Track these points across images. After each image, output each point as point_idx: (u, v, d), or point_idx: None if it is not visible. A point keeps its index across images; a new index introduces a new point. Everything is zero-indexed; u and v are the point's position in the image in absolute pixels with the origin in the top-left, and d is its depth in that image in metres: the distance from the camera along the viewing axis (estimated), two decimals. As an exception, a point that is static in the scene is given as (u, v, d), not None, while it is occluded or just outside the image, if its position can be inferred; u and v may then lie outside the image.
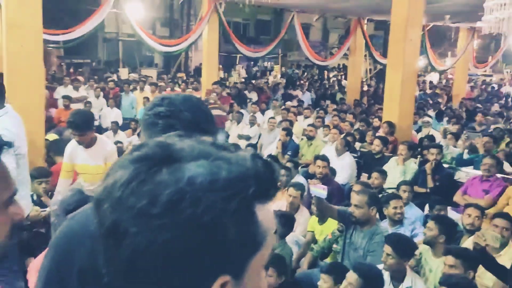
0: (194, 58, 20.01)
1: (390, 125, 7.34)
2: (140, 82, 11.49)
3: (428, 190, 5.80)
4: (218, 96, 8.95)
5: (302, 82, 16.53)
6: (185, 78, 16.29)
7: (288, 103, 11.40)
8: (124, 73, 16.60)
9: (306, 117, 9.67)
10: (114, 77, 14.79)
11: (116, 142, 7.00)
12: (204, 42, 11.45)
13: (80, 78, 12.19)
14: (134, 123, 8.88)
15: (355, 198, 3.73)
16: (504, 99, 16.26)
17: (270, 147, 7.80)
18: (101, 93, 10.51)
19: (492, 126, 8.25)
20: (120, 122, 9.26)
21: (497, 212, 4.26)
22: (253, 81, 16.36)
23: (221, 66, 19.40)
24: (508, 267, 3.18)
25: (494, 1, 7.43)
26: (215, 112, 9.07)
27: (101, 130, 8.31)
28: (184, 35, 14.21)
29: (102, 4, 9.85)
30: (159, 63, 21.05)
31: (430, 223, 3.70)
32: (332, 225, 4.30)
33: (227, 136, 8.95)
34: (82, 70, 15.79)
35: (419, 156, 6.60)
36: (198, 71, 16.87)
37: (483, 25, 7.82)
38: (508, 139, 7.12)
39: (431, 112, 11.09)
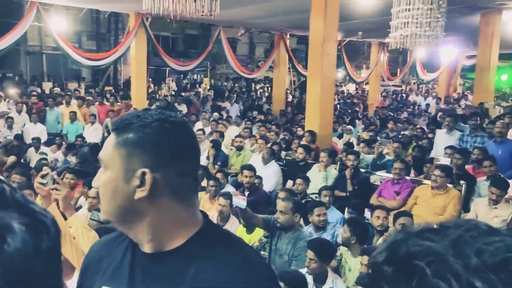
0: (123, 72, 19.43)
1: (312, 133, 7.56)
2: (66, 96, 10.94)
3: (347, 194, 6.03)
4: (126, 109, 8.88)
5: (230, 94, 16.60)
6: (113, 91, 15.76)
7: (216, 114, 11.39)
8: (47, 87, 15.73)
9: (238, 125, 9.73)
10: (38, 90, 13.95)
11: (40, 159, 6.59)
12: (132, 56, 11.16)
13: (0, 93, 11.36)
14: (59, 138, 8.42)
15: (280, 205, 3.80)
16: (411, 107, 17.38)
17: (200, 158, 7.74)
18: (24, 108, 9.86)
19: (402, 132, 8.77)
20: (45, 137, 8.74)
21: (399, 211, 4.53)
22: (183, 94, 16.19)
23: (151, 79, 19.01)
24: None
25: (399, 20, 7.97)
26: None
27: (24, 146, 7.77)
28: (111, 48, 13.75)
29: (24, 17, 9.29)
30: (87, 77, 20.19)
31: (344, 226, 3.85)
32: (259, 233, 4.33)
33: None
34: (3, 84, 14.73)
35: (339, 162, 6.86)
36: (127, 84, 16.39)
37: (391, 41, 8.33)
38: (414, 144, 7.60)
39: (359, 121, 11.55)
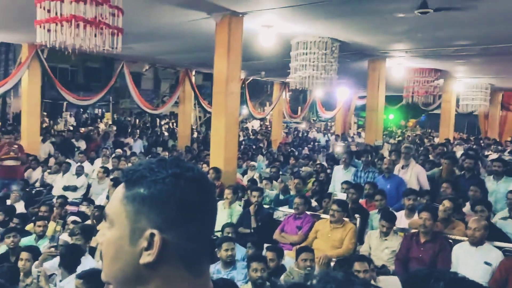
0: (14, 105, 17.94)
1: (217, 170, 7.57)
2: None
3: (252, 230, 6.08)
4: (8, 146, 8.27)
5: (134, 129, 16.12)
6: (0, 126, 14.45)
7: (119, 150, 10.95)
8: None
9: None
10: None
11: None
12: (23, 89, 10.40)
13: None
14: None
15: None
16: (312, 143, 18.33)
17: (101, 197, 7.34)
18: None
19: (302, 168, 9.17)
20: None
21: (301, 247, 4.68)
22: (82, 129, 15.36)
23: (46, 113, 17.79)
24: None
25: (297, 63, 8.49)
26: (8, 163, 8.30)
27: None
28: (0, 80, 12.68)
29: None
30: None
31: (253, 264, 3.88)
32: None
33: (29, 184, 8.24)
34: None
35: (243, 199, 6.93)
36: (17, 118, 15.14)
37: (291, 81, 8.80)
38: (313, 179, 7.98)
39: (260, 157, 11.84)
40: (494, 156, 8.67)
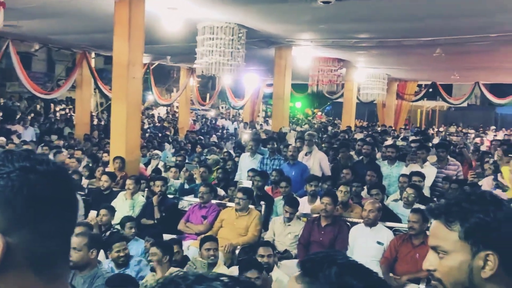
0: None
1: (121, 160, 7.32)
2: None
3: (155, 222, 5.97)
4: None
5: (24, 116, 14.87)
6: None
7: (3, 139, 10.04)
8: None
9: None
10: None
11: None
12: None
13: None
14: None
15: (73, 241, 3.51)
16: (220, 131, 18.42)
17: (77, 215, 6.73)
18: None
19: (209, 156, 9.17)
20: None
21: (205, 236, 4.71)
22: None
23: None
24: None
25: (204, 48, 8.43)
26: None
27: None
28: None
29: None
30: None
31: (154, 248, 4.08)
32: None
33: None
34: None
35: (146, 189, 6.77)
36: None
37: (197, 66, 8.72)
38: (218, 167, 8.03)
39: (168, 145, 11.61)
40: (389, 142, 9.43)
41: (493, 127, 23.14)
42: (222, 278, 0.57)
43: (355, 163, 7.50)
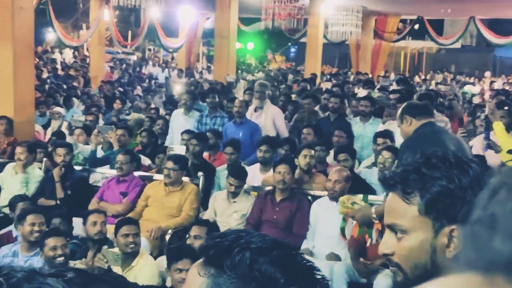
0: None
1: (8, 121, 7.11)
2: None
3: (58, 202, 5.85)
4: None
5: None
6: None
7: None
8: None
9: None
10: None
11: None
12: None
13: None
14: None
15: None
16: (147, 81, 18.07)
17: None
18: None
19: (131, 115, 9.00)
20: None
21: (122, 219, 4.71)
22: None
23: None
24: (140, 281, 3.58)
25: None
26: None
27: None
28: None
29: None
30: None
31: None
32: None
33: None
34: None
35: (45, 159, 6.58)
36: None
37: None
38: (142, 128, 7.90)
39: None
40: (363, 93, 9.58)
41: (488, 73, 24.05)
42: (64, 273, 0.55)
43: (319, 121, 7.59)
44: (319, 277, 0.91)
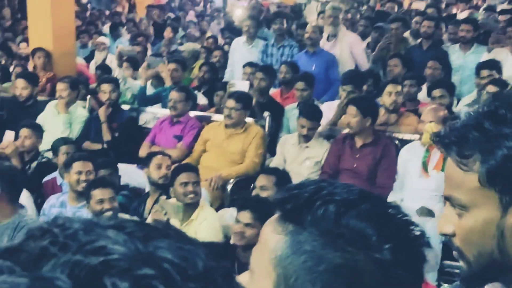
0: None
1: (45, 53, 7.31)
2: None
3: (104, 146, 6.04)
4: None
5: None
6: None
7: None
8: None
9: None
10: None
11: None
12: None
13: None
14: None
15: None
16: (202, 4, 17.99)
17: None
18: None
19: (184, 45, 9.03)
20: None
21: (178, 166, 4.81)
22: None
23: None
24: (201, 236, 3.69)
25: None
26: None
27: None
28: None
29: None
30: None
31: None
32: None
33: None
34: None
35: (89, 96, 6.78)
36: None
37: None
38: (201, 61, 7.93)
39: (106, 28, 11.45)
40: (464, 15, 9.21)
41: None
42: (125, 225, 0.56)
43: (409, 50, 7.40)
44: (417, 233, 0.90)
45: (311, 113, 5.45)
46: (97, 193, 4.21)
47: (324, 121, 5.65)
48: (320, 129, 5.54)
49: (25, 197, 4.42)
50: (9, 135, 5.83)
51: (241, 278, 0.95)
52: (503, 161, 1.05)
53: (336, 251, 0.84)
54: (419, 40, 7.59)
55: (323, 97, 6.65)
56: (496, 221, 1.07)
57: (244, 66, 7.02)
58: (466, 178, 1.10)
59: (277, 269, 0.89)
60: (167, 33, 9.94)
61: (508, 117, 1.07)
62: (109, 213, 4.14)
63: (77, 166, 4.58)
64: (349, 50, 7.20)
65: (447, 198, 1.16)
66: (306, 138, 5.40)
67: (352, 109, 5.09)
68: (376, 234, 0.85)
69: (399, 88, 5.63)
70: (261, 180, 4.41)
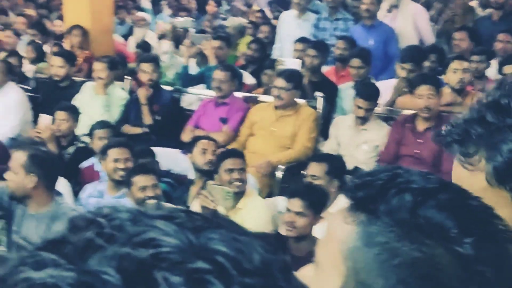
0: None
1: (82, 31, 7.39)
2: None
3: (145, 129, 6.10)
4: None
5: None
6: None
7: None
8: None
9: None
10: None
11: None
12: None
13: None
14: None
15: (13, 163, 3.76)
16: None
17: None
18: None
19: (229, 20, 9.05)
20: None
21: (225, 151, 4.85)
22: None
23: None
24: (248, 227, 3.70)
25: None
26: None
27: None
28: None
29: None
30: None
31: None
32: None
33: None
34: None
35: (128, 77, 6.84)
36: None
37: None
38: (248, 37, 7.91)
39: (148, 3, 11.52)
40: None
41: None
42: (174, 214, 0.56)
43: (477, 21, 7.26)
44: (502, 227, 0.88)
45: (368, 92, 5.39)
46: (139, 180, 4.24)
47: (381, 101, 5.62)
48: (378, 110, 5.49)
49: (63, 185, 4.49)
50: (44, 118, 5.94)
51: (305, 272, 0.95)
52: (510, 156, 1.03)
53: (413, 243, 0.83)
54: (488, 11, 7.42)
55: (381, 75, 6.58)
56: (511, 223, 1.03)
57: (294, 42, 6.98)
58: (473, 179, 1.07)
59: (347, 262, 0.88)
60: (210, 7, 9.96)
61: None
62: (153, 201, 4.15)
63: (113, 153, 4.62)
64: (413, 22, 7.08)
65: None
66: (363, 120, 5.36)
67: (427, 89, 5.03)
68: (456, 227, 0.83)
69: (466, 64, 5.52)
70: (312, 169, 4.40)
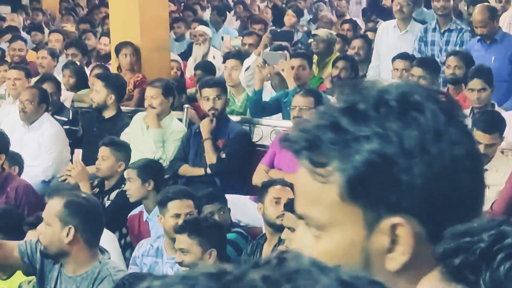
0: None
1: (129, 48, 7.53)
2: None
3: (208, 171, 6.12)
4: None
5: None
6: None
7: None
8: None
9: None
10: None
11: None
12: None
13: None
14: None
15: (47, 212, 3.84)
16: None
17: None
18: None
19: (313, 33, 9.05)
20: None
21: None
22: None
23: None
24: None
25: None
26: None
27: None
28: None
29: None
30: None
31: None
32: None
33: None
34: None
35: (187, 106, 6.90)
36: None
37: None
38: (336, 54, 7.90)
39: (207, 14, 11.69)
40: None
41: None
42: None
43: None
44: None
45: (490, 123, 5.31)
46: (173, 206, 4.57)
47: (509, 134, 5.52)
48: (503, 145, 5.39)
49: (108, 239, 4.53)
50: (77, 154, 6.05)
51: None
52: (364, 169, 1.07)
53: None
54: None
55: (507, 101, 6.46)
56: (360, 243, 1.11)
57: (394, 59, 6.95)
58: (323, 192, 1.12)
59: None
60: (289, 17, 10.01)
61: (370, 113, 1.08)
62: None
63: (174, 207, 4.66)
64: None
65: (300, 217, 1.18)
66: (484, 157, 5.26)
67: None
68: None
69: None
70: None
